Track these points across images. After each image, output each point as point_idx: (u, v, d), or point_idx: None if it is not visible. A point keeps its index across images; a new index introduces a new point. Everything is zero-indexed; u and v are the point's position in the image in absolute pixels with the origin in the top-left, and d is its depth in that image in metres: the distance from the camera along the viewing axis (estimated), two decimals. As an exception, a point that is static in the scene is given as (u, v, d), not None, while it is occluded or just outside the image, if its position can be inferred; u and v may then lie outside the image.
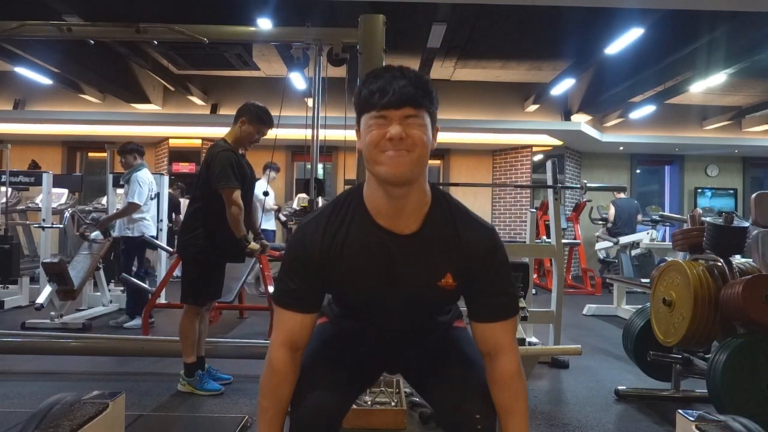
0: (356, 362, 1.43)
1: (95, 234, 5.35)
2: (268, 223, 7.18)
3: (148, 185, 5.00)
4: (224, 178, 2.94)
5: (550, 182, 4.20)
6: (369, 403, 2.67)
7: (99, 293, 5.69)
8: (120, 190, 6.70)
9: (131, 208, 4.81)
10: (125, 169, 4.97)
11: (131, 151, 4.95)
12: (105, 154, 6.59)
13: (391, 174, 1.18)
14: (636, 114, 9.06)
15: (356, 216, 1.29)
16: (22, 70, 7.41)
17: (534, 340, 4.18)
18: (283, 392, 1.31)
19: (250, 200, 3.24)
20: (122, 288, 5.88)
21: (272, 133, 3.22)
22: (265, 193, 4.72)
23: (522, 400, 1.29)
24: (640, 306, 3.85)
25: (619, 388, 3.28)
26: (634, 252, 7.56)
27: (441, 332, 1.49)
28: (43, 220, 6.03)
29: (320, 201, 3.52)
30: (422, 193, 1.27)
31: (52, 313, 4.77)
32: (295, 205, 8.32)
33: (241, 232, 3.00)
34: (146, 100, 8.83)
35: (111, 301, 5.70)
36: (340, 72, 3.62)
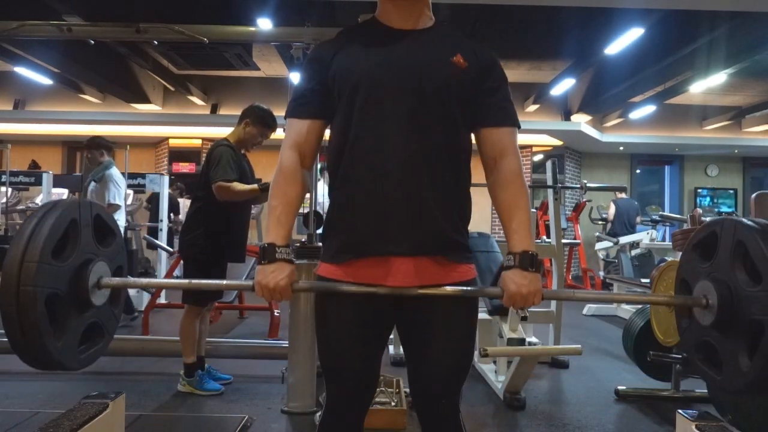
0: (365, 323, 1.36)
1: None
2: None
3: (123, 183, 4.83)
4: (219, 172, 2.91)
5: (550, 182, 4.20)
6: (369, 403, 2.67)
7: (99, 293, 5.68)
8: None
9: (113, 209, 4.52)
10: (91, 164, 4.70)
11: (99, 146, 4.65)
12: (105, 154, 6.59)
13: None
14: (636, 114, 9.06)
15: (368, 24, 1.42)
16: (22, 70, 7.42)
17: (534, 340, 4.17)
18: (291, 191, 1.34)
19: (249, 198, 3.24)
20: (122, 288, 5.89)
21: (276, 134, 3.22)
22: None
23: (524, 197, 1.36)
24: (640, 306, 3.85)
25: (619, 388, 3.28)
26: (634, 252, 7.56)
27: (452, 243, 1.35)
28: (43, 220, 6.01)
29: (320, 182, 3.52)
30: (427, 9, 1.40)
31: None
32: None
33: (254, 189, 2.97)
34: (146, 100, 8.83)
35: (111, 301, 5.70)
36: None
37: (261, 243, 1.34)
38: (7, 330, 1.33)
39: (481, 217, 9.47)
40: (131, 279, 1.71)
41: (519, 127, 1.43)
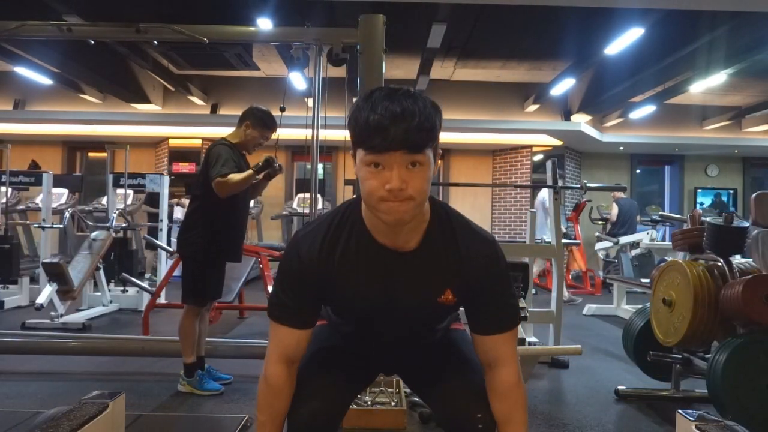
0: (353, 364, 1.44)
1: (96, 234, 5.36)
2: None
3: None
4: (217, 169, 2.90)
5: (550, 182, 4.20)
6: (369, 403, 2.68)
7: (99, 293, 5.69)
8: (120, 190, 6.73)
9: None
10: None
11: None
12: (105, 154, 6.60)
13: (392, 221, 1.14)
14: (636, 114, 9.06)
15: (354, 232, 1.26)
16: (22, 70, 7.41)
17: (534, 340, 4.18)
18: (279, 406, 1.31)
19: (248, 197, 3.24)
20: (122, 288, 5.89)
21: (279, 133, 3.22)
22: None
23: (521, 410, 1.29)
24: (640, 306, 3.85)
25: (619, 388, 3.28)
26: (634, 252, 7.56)
27: (439, 336, 1.50)
28: (43, 220, 6.03)
29: (320, 200, 3.52)
30: (420, 212, 1.22)
31: (53, 312, 4.77)
32: (295, 205, 8.34)
33: (251, 174, 2.95)
34: (146, 100, 8.83)
35: (111, 301, 5.70)
36: (340, 72, 3.62)
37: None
38: None
39: (482, 217, 9.48)
40: None
41: (519, 322, 1.36)
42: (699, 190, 10.83)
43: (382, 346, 1.45)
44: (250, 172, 2.97)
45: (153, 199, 7.64)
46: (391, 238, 1.24)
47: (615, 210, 8.33)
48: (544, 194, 6.62)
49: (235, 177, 2.92)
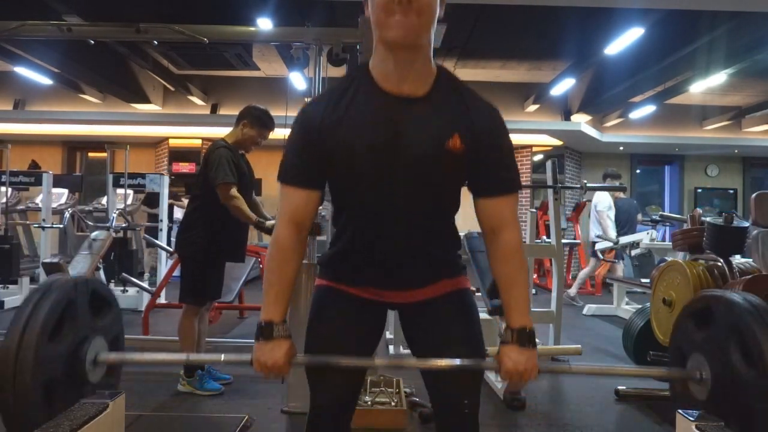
0: (359, 327, 1.40)
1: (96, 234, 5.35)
2: None
3: None
4: (220, 174, 2.93)
5: (550, 182, 4.20)
6: (369, 403, 2.68)
7: (99, 293, 5.68)
8: (120, 190, 6.73)
9: None
10: None
11: None
12: (105, 154, 6.59)
13: (400, 37, 1.19)
14: (636, 114, 9.05)
15: (361, 85, 1.29)
16: (22, 70, 7.41)
17: (534, 340, 4.18)
18: (288, 269, 1.33)
19: (249, 198, 3.24)
20: (122, 288, 5.89)
21: (278, 134, 3.22)
22: None
23: (523, 272, 1.34)
24: (640, 306, 3.85)
25: (619, 388, 3.28)
26: (634, 252, 7.56)
27: (445, 236, 1.41)
28: (43, 220, 6.03)
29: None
30: (428, 61, 1.28)
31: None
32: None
33: (252, 218, 2.99)
34: (146, 100, 8.82)
35: (111, 301, 5.70)
36: (340, 72, 3.62)
37: (258, 321, 1.37)
38: (4, 418, 1.32)
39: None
40: (128, 355, 1.67)
41: (521, 189, 1.40)
42: (699, 190, 10.83)
43: (387, 259, 1.35)
44: (254, 219, 2.99)
45: (152, 200, 7.66)
46: (399, 83, 1.25)
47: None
48: (597, 198, 6.64)
49: (241, 206, 2.94)
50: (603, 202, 6.64)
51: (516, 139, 9.41)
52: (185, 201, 7.79)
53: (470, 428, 1.38)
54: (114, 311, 1.63)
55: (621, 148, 10.29)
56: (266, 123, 3.17)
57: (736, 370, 1.39)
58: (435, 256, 1.38)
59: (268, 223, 3.05)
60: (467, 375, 1.35)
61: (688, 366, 1.54)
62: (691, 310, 1.62)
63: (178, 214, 7.60)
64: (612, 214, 6.67)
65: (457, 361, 1.32)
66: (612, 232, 6.60)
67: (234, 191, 2.96)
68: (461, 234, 1.57)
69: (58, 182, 6.94)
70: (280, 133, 3.27)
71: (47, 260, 4.91)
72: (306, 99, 4.77)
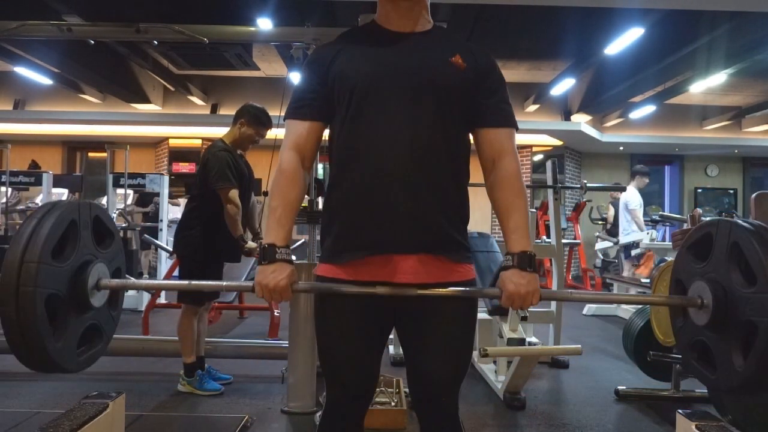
0: (366, 309, 1.35)
1: None
2: None
3: None
4: (221, 177, 2.94)
5: (550, 182, 4.20)
6: (369, 403, 2.67)
7: (99, 293, 5.68)
8: (120, 190, 6.74)
9: None
10: None
11: None
12: (105, 154, 6.59)
13: None
14: (636, 114, 9.06)
15: (365, 27, 1.43)
16: (22, 70, 7.41)
17: (534, 340, 4.18)
18: (291, 193, 1.35)
19: (248, 200, 3.24)
20: (122, 288, 5.89)
21: (274, 133, 3.22)
22: None
23: (522, 198, 1.37)
24: (640, 306, 3.85)
25: (619, 388, 3.28)
26: (634, 252, 7.56)
27: (452, 242, 1.35)
28: (43, 220, 6.02)
29: (320, 201, 3.53)
30: (426, 11, 1.40)
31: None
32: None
33: (237, 232, 3.00)
34: (146, 100, 8.83)
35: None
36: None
37: (261, 243, 1.34)
38: (6, 331, 1.33)
39: (482, 217, 9.47)
40: (130, 280, 1.70)
41: (517, 128, 1.45)
42: (699, 190, 10.84)
43: (391, 171, 1.29)
44: (236, 234, 2.99)
45: (145, 200, 7.71)
46: (399, 24, 1.37)
47: (611, 211, 8.33)
48: (626, 197, 6.61)
49: (235, 217, 2.94)
50: (633, 200, 6.55)
51: (516, 139, 9.40)
52: (180, 200, 7.82)
53: (451, 427, 1.39)
54: (116, 243, 1.64)
55: (621, 148, 10.30)
56: (264, 121, 3.16)
57: (736, 290, 1.38)
58: (441, 205, 1.32)
59: (248, 245, 3.06)
60: (448, 375, 1.36)
61: (688, 293, 1.52)
62: (690, 241, 1.60)
63: (177, 213, 7.61)
64: (641, 212, 6.61)
65: (460, 290, 1.34)
66: (644, 229, 6.57)
67: (234, 195, 2.96)
68: None
69: (58, 182, 6.94)
70: (280, 133, 3.28)
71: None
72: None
